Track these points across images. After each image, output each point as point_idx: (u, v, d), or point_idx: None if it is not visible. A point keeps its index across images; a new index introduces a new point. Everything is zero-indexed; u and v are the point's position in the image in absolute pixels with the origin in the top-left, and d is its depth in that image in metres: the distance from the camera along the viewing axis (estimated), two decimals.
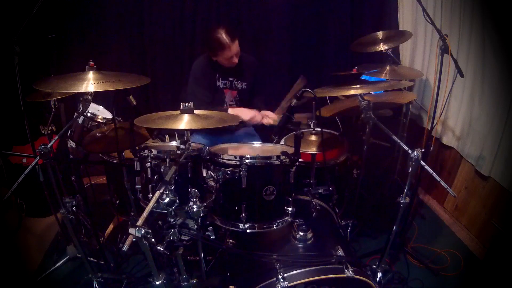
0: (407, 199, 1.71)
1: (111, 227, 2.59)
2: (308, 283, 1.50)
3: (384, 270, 1.88)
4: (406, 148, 1.66)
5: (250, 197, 1.65)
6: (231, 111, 2.51)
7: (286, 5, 3.24)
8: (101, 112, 2.40)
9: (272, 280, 1.50)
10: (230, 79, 2.61)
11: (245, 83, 2.64)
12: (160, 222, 1.72)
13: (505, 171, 2.27)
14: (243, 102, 2.69)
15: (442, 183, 1.55)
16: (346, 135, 2.61)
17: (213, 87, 2.60)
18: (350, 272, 1.49)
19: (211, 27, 2.45)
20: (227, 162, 1.65)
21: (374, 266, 1.88)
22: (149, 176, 1.73)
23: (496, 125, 2.31)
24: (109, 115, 2.39)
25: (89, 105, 1.72)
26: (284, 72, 3.44)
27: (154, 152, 1.72)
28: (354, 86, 1.83)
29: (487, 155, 2.38)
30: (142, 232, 1.23)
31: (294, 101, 1.83)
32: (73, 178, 2.33)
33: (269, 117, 2.52)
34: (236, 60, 2.47)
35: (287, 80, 3.45)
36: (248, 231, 1.67)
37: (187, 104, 1.62)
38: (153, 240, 1.27)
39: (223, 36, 2.33)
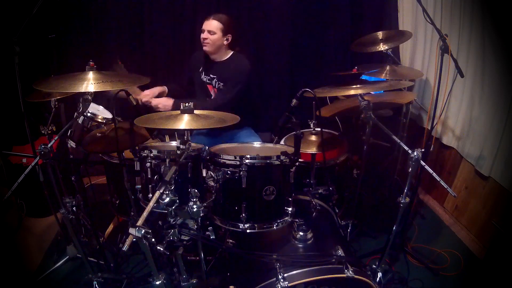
0: (407, 199, 1.71)
1: (111, 227, 2.59)
2: (308, 283, 1.50)
3: (384, 270, 1.89)
4: (406, 148, 1.66)
5: (250, 197, 1.65)
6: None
7: (286, 5, 3.24)
8: (101, 112, 2.39)
9: (272, 280, 1.50)
10: (212, 75, 2.61)
11: (222, 83, 2.59)
12: (160, 222, 1.73)
13: (505, 171, 2.26)
14: None
15: (442, 183, 1.55)
16: (346, 135, 2.61)
17: (198, 79, 2.69)
18: (350, 272, 1.49)
19: None
20: (227, 162, 1.65)
21: (374, 266, 1.88)
22: (149, 176, 1.73)
23: (496, 125, 2.31)
24: (109, 115, 2.39)
25: (89, 105, 1.73)
26: (284, 73, 3.44)
27: (154, 152, 1.72)
28: (354, 86, 1.83)
29: (487, 155, 2.38)
30: (142, 232, 1.23)
31: (294, 101, 1.83)
32: (73, 178, 2.32)
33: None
34: (204, 35, 2.50)
35: (287, 80, 3.46)
36: (248, 231, 1.67)
37: (187, 104, 1.62)
38: (153, 240, 1.27)
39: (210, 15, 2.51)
